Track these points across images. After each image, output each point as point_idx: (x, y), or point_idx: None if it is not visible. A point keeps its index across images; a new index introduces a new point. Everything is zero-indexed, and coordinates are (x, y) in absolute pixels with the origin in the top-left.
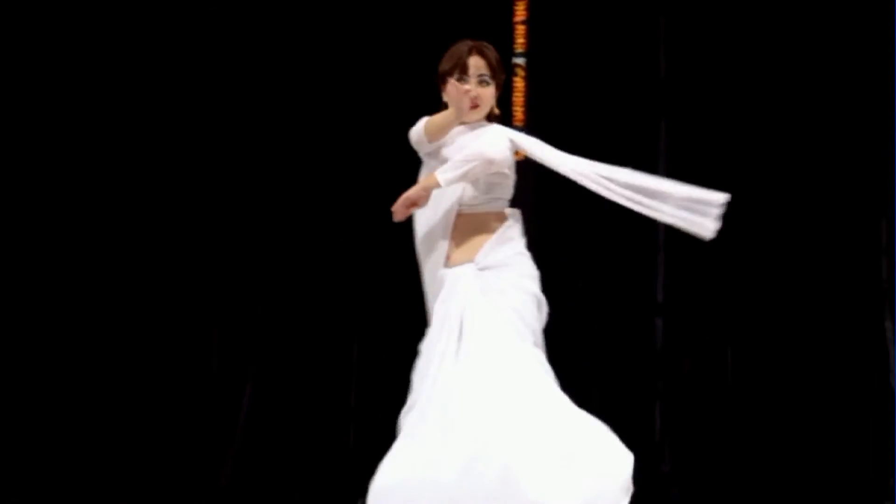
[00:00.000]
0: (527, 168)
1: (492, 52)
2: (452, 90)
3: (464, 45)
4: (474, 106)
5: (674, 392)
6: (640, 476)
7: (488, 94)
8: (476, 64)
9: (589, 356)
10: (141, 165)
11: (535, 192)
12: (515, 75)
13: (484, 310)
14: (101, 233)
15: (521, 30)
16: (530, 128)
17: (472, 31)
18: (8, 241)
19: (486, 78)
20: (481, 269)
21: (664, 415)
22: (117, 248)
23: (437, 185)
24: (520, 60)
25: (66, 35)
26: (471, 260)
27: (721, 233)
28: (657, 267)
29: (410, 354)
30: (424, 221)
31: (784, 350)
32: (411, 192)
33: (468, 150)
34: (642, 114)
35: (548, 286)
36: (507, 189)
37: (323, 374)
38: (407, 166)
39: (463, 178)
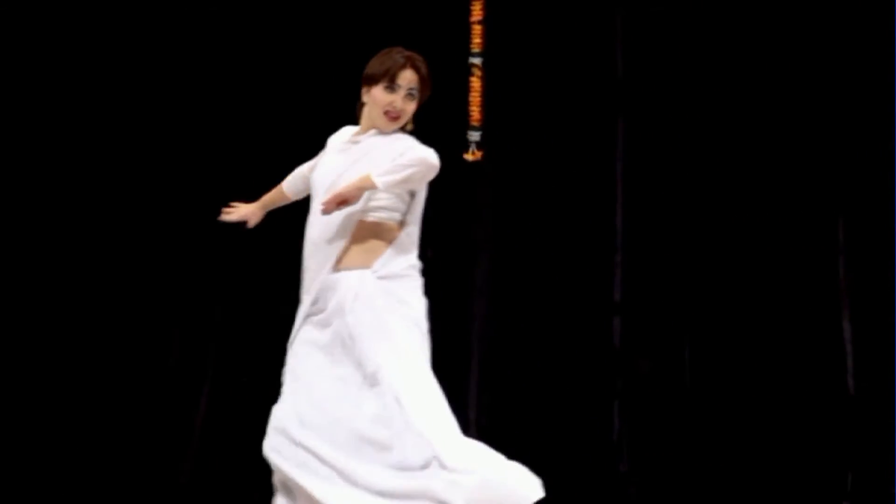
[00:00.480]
0: (486, 167)
1: (425, 66)
2: (379, 97)
3: (399, 55)
4: (395, 118)
5: (632, 391)
6: (599, 475)
7: (411, 109)
8: (408, 77)
9: (547, 356)
10: (100, 165)
11: (494, 191)
12: (472, 75)
13: (376, 323)
14: (62, 233)
15: (477, 29)
16: (487, 128)
17: (428, 31)
18: None
19: (414, 92)
20: (380, 278)
21: (622, 414)
22: (77, 249)
23: (374, 188)
24: (476, 60)
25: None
26: (367, 266)
27: (679, 232)
28: (615, 267)
29: None
30: (321, 221)
31: (742, 350)
32: (344, 191)
33: (409, 154)
34: (600, 112)
35: (507, 286)
36: (405, 203)
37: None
38: None
39: (403, 183)
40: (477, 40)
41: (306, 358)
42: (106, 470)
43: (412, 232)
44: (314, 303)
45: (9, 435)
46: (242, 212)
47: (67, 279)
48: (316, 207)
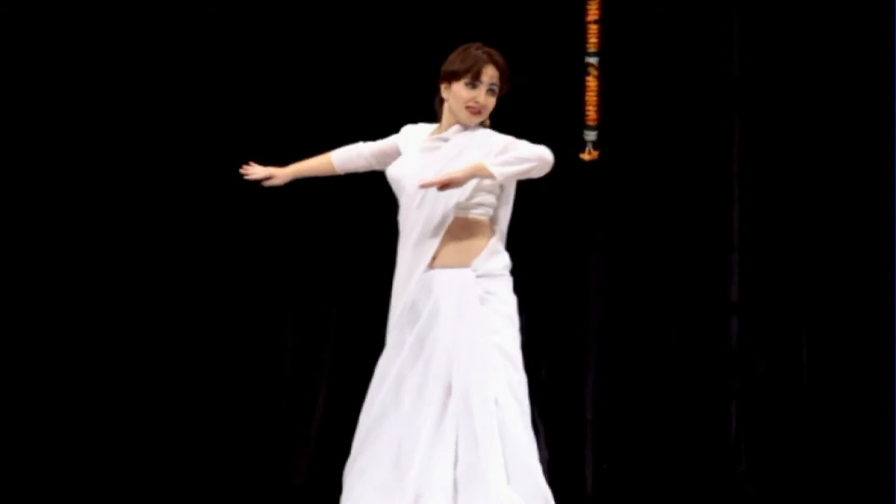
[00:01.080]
0: (602, 167)
1: (503, 62)
2: (461, 93)
3: (480, 51)
4: (476, 112)
5: (749, 392)
6: (717, 475)
7: (491, 104)
8: (490, 73)
9: (664, 356)
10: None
11: (609, 190)
12: (588, 75)
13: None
14: (178, 230)
15: (593, 29)
16: (603, 127)
17: (544, 31)
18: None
19: (495, 88)
20: (479, 277)
21: (740, 414)
22: (193, 247)
23: (490, 176)
24: (592, 60)
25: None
26: (465, 265)
27: (797, 231)
28: (732, 267)
29: None
30: (417, 216)
31: (860, 348)
32: (457, 174)
33: (523, 148)
34: (716, 111)
35: (623, 286)
36: (496, 198)
37: None
38: None
39: (518, 176)
40: (593, 40)
41: (385, 380)
42: (221, 469)
43: (503, 230)
44: (409, 302)
45: (124, 430)
46: (267, 171)
47: (185, 276)
48: (408, 203)
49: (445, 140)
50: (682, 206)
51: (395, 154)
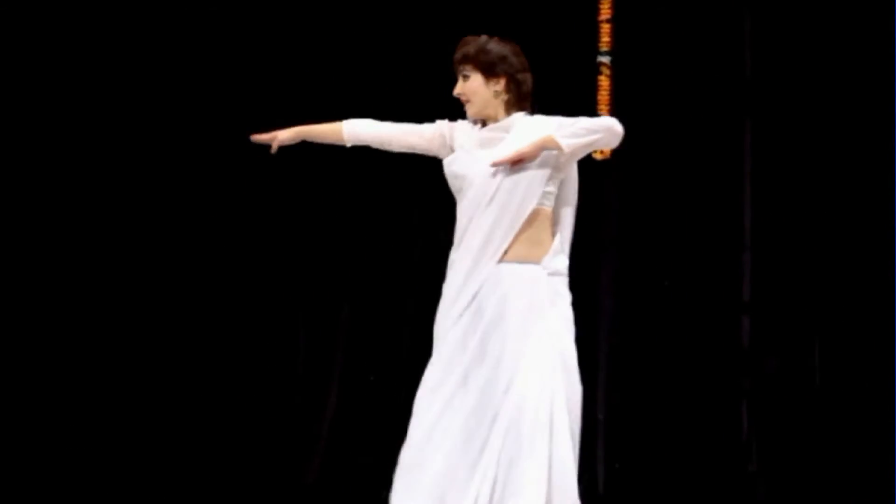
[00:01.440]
0: (614, 166)
1: (469, 45)
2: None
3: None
4: (466, 102)
5: (760, 391)
6: (728, 475)
7: (474, 88)
8: (457, 64)
9: (675, 355)
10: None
11: (621, 190)
12: (600, 73)
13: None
14: (189, 233)
15: (605, 28)
16: None
17: (557, 30)
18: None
19: (466, 73)
20: (550, 275)
21: (751, 414)
22: (204, 250)
23: (560, 149)
24: (605, 59)
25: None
26: (536, 261)
27: (808, 231)
28: (743, 266)
29: None
30: (489, 210)
31: (871, 348)
32: (527, 149)
33: (588, 120)
34: (728, 111)
35: (634, 285)
36: (557, 189)
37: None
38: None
39: (587, 147)
40: (605, 39)
41: (440, 386)
42: (233, 469)
43: (568, 234)
44: (474, 295)
45: (136, 430)
46: (269, 136)
47: (198, 278)
48: (478, 198)
49: (505, 130)
50: (694, 206)
51: (438, 139)
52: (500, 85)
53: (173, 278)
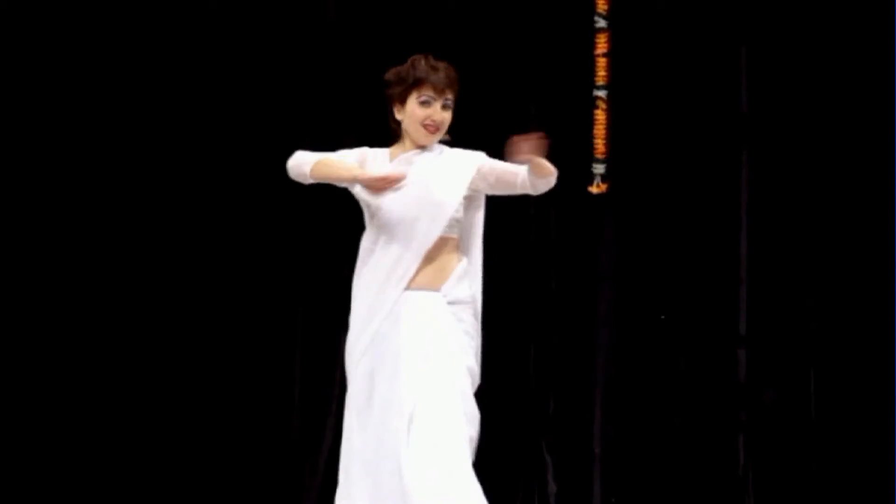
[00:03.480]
0: (611, 200)
1: (452, 71)
2: (416, 112)
3: (426, 61)
4: (434, 131)
5: (757, 425)
6: None
7: (448, 116)
8: (442, 87)
9: (671, 388)
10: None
11: (618, 222)
12: (596, 108)
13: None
14: (195, 260)
15: (602, 62)
16: (612, 160)
17: (553, 64)
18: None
19: (450, 102)
20: (449, 303)
21: (747, 447)
22: (199, 285)
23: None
24: (601, 93)
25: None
26: (435, 288)
27: (805, 264)
28: (740, 299)
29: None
30: (398, 236)
31: (868, 381)
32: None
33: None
34: (724, 145)
35: (631, 317)
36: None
37: None
38: None
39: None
40: (602, 73)
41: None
42: (230, 501)
43: (479, 243)
44: (378, 326)
45: (131, 459)
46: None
47: (196, 306)
48: (388, 225)
49: (411, 164)
50: (691, 240)
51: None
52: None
53: (169, 302)
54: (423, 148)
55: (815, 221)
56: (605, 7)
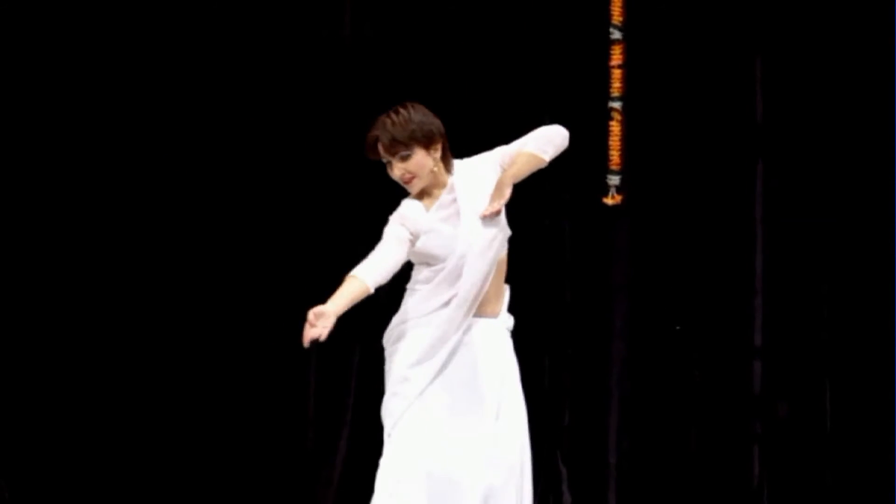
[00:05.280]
0: (626, 211)
1: (392, 126)
2: (390, 173)
3: (375, 126)
4: (410, 181)
5: (772, 437)
6: None
7: (416, 163)
8: (385, 149)
9: (686, 400)
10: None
11: (632, 234)
12: (612, 119)
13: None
14: (205, 275)
15: (617, 74)
16: (627, 172)
17: (568, 75)
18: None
19: (404, 152)
20: (507, 330)
21: (762, 459)
22: (208, 302)
23: (543, 162)
24: (616, 104)
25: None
26: (495, 315)
27: (820, 275)
28: (755, 311)
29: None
30: (461, 277)
31: (883, 393)
32: (503, 188)
33: (525, 139)
34: (739, 155)
35: (646, 330)
36: None
37: None
38: None
39: (560, 148)
40: (616, 84)
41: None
42: None
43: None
44: (452, 350)
45: (142, 475)
46: (317, 332)
47: (208, 318)
48: (452, 269)
49: (451, 190)
50: (705, 251)
51: (407, 241)
52: (439, 148)
53: (184, 312)
54: (443, 184)
55: (830, 232)
56: (621, 19)
